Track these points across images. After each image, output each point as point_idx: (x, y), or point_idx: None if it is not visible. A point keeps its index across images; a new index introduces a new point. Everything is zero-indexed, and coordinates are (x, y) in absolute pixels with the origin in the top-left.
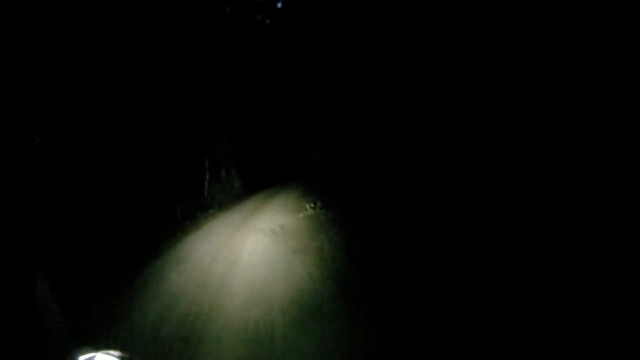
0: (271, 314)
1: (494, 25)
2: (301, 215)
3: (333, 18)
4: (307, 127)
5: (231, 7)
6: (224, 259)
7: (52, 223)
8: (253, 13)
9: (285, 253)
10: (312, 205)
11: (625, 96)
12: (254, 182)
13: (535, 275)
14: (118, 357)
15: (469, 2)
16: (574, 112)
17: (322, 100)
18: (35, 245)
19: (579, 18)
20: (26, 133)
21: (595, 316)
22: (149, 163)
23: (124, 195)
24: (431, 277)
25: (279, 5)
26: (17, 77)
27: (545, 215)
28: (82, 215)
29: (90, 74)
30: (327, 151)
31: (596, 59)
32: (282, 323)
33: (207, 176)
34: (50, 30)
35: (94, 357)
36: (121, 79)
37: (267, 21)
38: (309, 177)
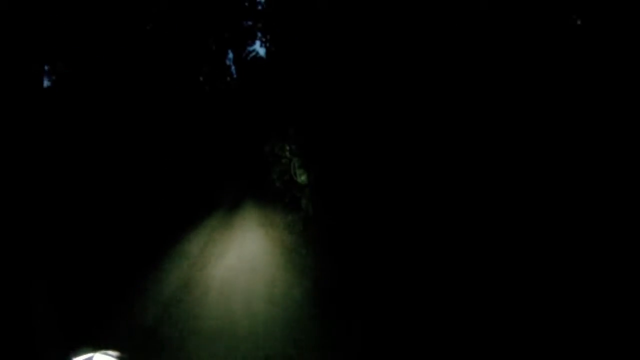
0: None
1: (494, 25)
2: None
3: (333, 19)
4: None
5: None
6: (214, 261)
7: (51, 224)
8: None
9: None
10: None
11: (624, 96)
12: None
13: (524, 280)
14: (116, 357)
15: (469, 2)
16: (573, 112)
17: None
18: (34, 246)
19: (578, 19)
20: (29, 135)
21: (594, 315)
22: (148, 167)
23: (122, 197)
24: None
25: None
26: (19, 77)
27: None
28: (81, 217)
29: (92, 75)
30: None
31: (595, 59)
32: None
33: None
34: (51, 30)
35: (92, 357)
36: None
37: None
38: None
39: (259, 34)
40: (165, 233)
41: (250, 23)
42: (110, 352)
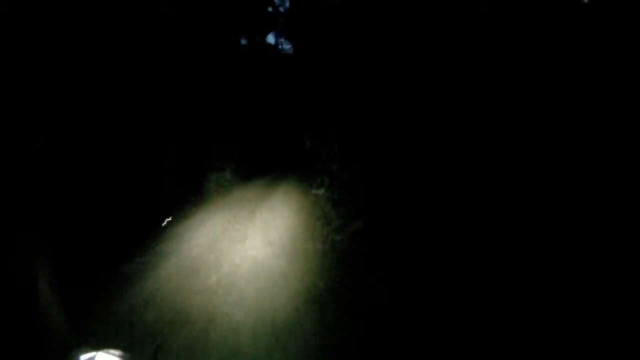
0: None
1: (494, 25)
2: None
3: (334, 17)
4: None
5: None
6: (221, 251)
7: (53, 222)
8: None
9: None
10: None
11: (625, 97)
12: (248, 171)
13: (533, 278)
14: (118, 356)
15: (469, 1)
16: (573, 112)
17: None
18: (36, 244)
19: (579, 18)
20: (27, 133)
21: (594, 316)
22: (144, 157)
23: (121, 192)
24: (431, 277)
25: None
26: (18, 77)
27: (542, 218)
28: (82, 214)
29: (89, 75)
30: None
31: (596, 59)
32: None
33: (201, 166)
34: (50, 30)
35: (94, 356)
36: (119, 76)
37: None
38: (304, 168)
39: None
40: (173, 221)
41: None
42: (112, 351)
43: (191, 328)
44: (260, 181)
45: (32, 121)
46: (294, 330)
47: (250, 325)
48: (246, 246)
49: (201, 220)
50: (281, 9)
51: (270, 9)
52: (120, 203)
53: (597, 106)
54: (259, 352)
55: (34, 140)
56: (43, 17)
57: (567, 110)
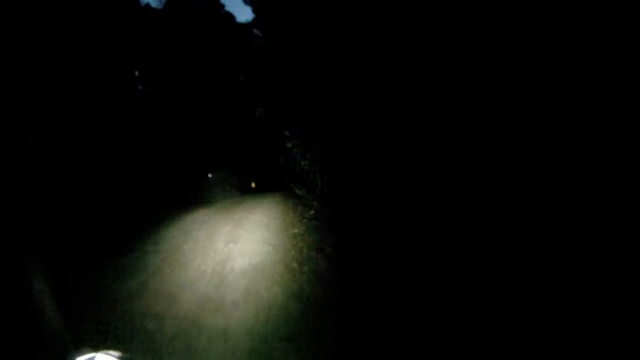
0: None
1: (494, 25)
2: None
3: (333, 17)
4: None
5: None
6: (214, 251)
7: (49, 222)
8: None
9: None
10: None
11: (625, 96)
12: (242, 187)
13: (532, 278)
14: (118, 357)
15: (469, 1)
16: (573, 112)
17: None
18: (32, 244)
19: (579, 17)
20: (23, 132)
21: (594, 316)
22: (146, 163)
23: (122, 195)
24: (422, 283)
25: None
26: (16, 77)
27: (541, 216)
28: (79, 214)
29: (87, 75)
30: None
31: (596, 58)
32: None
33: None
34: (49, 31)
35: (93, 357)
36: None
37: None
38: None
39: None
40: (163, 218)
41: None
42: (111, 352)
43: (190, 327)
44: (251, 197)
45: (29, 121)
46: (282, 320)
47: (243, 317)
48: (237, 245)
49: (200, 223)
50: None
51: None
52: (122, 208)
53: (597, 106)
54: (252, 345)
55: (28, 139)
56: (42, 17)
57: (564, 110)
